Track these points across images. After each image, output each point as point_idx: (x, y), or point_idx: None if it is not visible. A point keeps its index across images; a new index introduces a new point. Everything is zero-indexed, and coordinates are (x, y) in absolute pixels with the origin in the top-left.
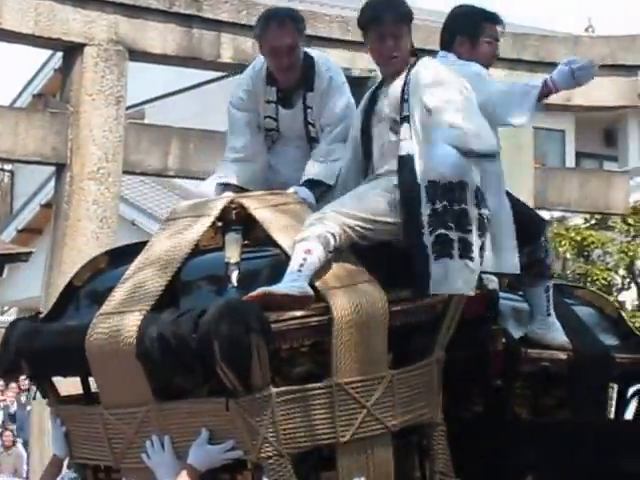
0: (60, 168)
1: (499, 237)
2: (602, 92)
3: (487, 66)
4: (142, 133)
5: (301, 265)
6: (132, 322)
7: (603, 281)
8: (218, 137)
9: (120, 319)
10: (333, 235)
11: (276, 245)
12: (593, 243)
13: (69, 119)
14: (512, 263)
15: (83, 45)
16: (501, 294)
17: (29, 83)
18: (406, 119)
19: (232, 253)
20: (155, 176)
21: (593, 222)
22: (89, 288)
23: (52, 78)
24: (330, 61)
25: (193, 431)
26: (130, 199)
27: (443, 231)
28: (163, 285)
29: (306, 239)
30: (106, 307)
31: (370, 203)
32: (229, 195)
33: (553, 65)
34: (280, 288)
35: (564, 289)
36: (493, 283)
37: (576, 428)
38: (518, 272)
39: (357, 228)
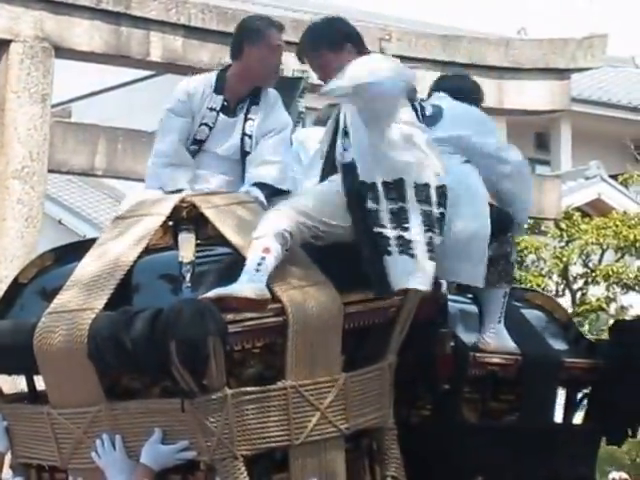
0: None
1: (468, 247)
2: (534, 96)
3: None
4: (68, 132)
5: (259, 264)
6: (83, 321)
7: (537, 287)
8: (146, 136)
9: (71, 318)
10: (290, 234)
11: (228, 244)
12: (527, 248)
13: None
14: (477, 275)
15: (8, 41)
16: (450, 297)
17: None
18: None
19: (186, 252)
20: (82, 175)
21: (525, 227)
22: (36, 286)
23: None
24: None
25: (145, 431)
26: (57, 198)
27: (379, 229)
28: (114, 284)
29: (264, 236)
30: (55, 306)
31: (325, 204)
32: (180, 194)
33: (484, 68)
34: (238, 290)
35: (513, 292)
36: (442, 287)
37: (523, 433)
38: (481, 286)
39: (312, 228)
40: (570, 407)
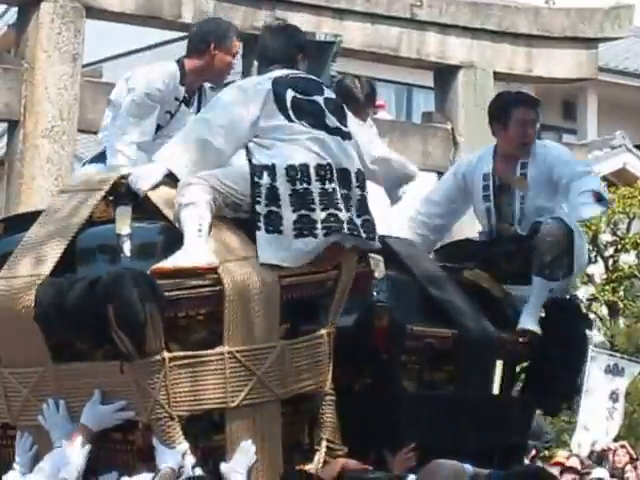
0: (13, 125)
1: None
2: (562, 64)
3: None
4: (99, 92)
5: (199, 230)
6: (31, 286)
7: None
8: None
9: (19, 282)
10: (214, 202)
11: (164, 217)
12: None
13: (23, 76)
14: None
15: (39, 1)
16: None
17: None
18: None
19: (122, 225)
20: None
21: None
22: None
23: (5, 34)
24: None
25: (88, 392)
26: (85, 158)
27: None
28: (59, 253)
29: (195, 203)
30: (5, 271)
31: (240, 175)
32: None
33: (514, 35)
34: (187, 258)
35: (452, 270)
36: (378, 263)
37: (457, 402)
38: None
39: (232, 197)
40: (507, 380)
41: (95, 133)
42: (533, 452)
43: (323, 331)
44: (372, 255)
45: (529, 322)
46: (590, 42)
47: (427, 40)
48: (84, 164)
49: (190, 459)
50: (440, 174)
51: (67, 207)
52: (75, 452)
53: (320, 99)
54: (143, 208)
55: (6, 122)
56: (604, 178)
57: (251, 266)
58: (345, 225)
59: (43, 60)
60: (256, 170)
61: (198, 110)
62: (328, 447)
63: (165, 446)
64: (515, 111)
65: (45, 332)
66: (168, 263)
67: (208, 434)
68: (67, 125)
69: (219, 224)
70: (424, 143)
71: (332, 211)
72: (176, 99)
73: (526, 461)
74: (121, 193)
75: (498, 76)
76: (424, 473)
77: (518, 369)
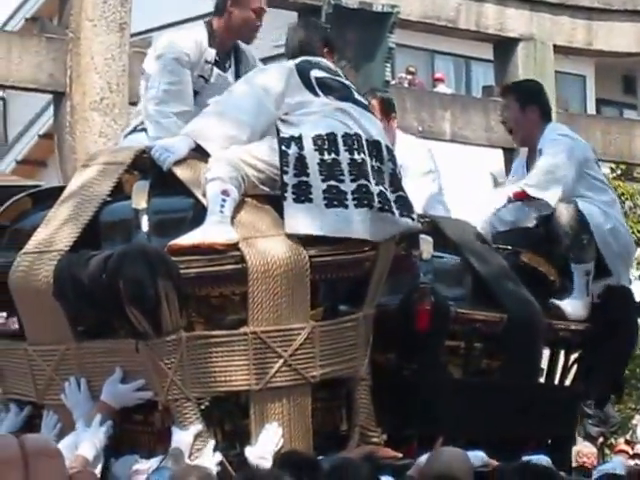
0: (58, 97)
1: None
2: (622, 38)
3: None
4: None
5: (222, 206)
6: (50, 262)
7: (638, 234)
8: None
9: (39, 258)
10: (243, 179)
11: (189, 192)
12: (623, 195)
13: (68, 45)
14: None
15: None
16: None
17: (21, 6)
18: None
19: (139, 200)
20: None
21: (619, 172)
22: (16, 228)
23: (47, 2)
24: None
25: (108, 371)
26: None
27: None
28: (80, 228)
29: (221, 179)
30: (28, 246)
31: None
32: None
33: (574, 8)
34: (207, 234)
35: (508, 253)
36: (427, 243)
37: (504, 390)
38: None
39: (263, 171)
40: (556, 368)
41: None
42: (601, 439)
43: (359, 314)
44: (422, 236)
45: (570, 306)
46: None
47: (485, 12)
48: (125, 136)
49: (211, 442)
50: (505, 150)
51: (89, 182)
52: (93, 428)
53: (346, 82)
54: (168, 183)
55: (52, 94)
56: None
57: (278, 243)
58: (376, 198)
59: (88, 29)
60: (283, 141)
61: (236, 72)
62: (362, 433)
63: (179, 428)
64: None
65: (64, 309)
66: (184, 240)
67: (233, 417)
68: (117, 97)
69: (250, 202)
70: (486, 118)
71: (362, 182)
72: (207, 62)
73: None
74: (143, 167)
75: (558, 49)
76: (429, 458)
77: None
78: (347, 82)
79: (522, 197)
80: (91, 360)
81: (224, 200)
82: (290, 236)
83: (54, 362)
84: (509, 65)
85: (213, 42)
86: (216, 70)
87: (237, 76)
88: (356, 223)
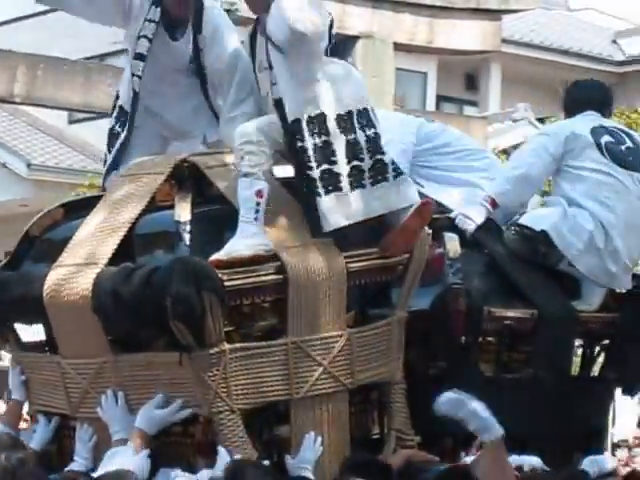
0: None
1: None
2: (465, 36)
3: None
4: None
5: (256, 212)
6: (88, 275)
7: None
8: (68, 64)
9: (77, 272)
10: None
11: (228, 203)
12: None
13: None
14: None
15: None
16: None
17: None
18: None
19: (182, 211)
20: (0, 102)
21: None
22: (46, 239)
23: None
24: (218, 7)
25: (147, 384)
26: None
27: (308, 171)
28: (118, 240)
29: (254, 175)
30: (63, 259)
31: None
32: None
33: (416, 6)
34: (243, 249)
35: None
36: (453, 242)
37: (537, 385)
38: None
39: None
40: (587, 360)
41: None
42: None
43: (393, 318)
44: (447, 234)
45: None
46: (494, 14)
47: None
48: None
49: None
50: None
51: (128, 191)
52: (134, 460)
53: None
54: (209, 194)
55: None
56: (505, 151)
57: (316, 252)
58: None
59: None
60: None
61: (196, 52)
62: (398, 437)
63: (224, 439)
64: None
65: (103, 323)
66: (223, 254)
67: (272, 426)
68: None
69: (277, 203)
70: None
71: (378, 157)
72: (149, 21)
73: None
74: (183, 177)
75: (398, 47)
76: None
77: (597, 348)
78: None
79: (495, 205)
80: (129, 374)
81: (258, 204)
82: (326, 243)
83: (90, 375)
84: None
85: (157, 1)
86: (162, 32)
87: (197, 50)
88: (377, 200)
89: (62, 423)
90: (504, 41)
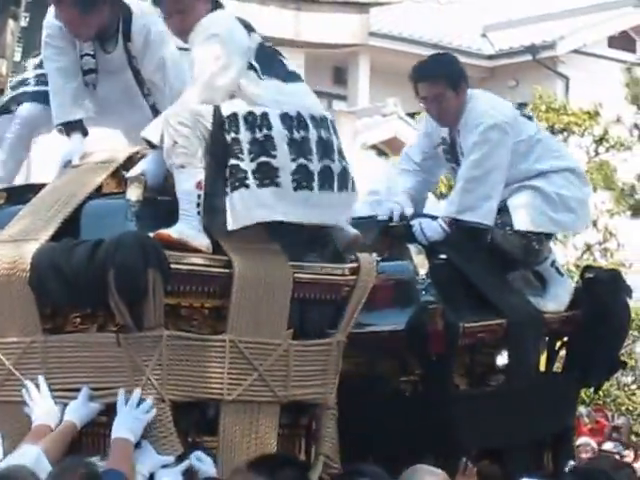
0: None
1: None
2: (333, 29)
3: None
4: None
5: (198, 205)
6: (27, 250)
7: None
8: None
9: (16, 247)
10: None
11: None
12: None
13: None
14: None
15: None
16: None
17: None
18: None
19: (133, 193)
20: None
21: None
22: None
23: None
24: (147, 9)
25: (78, 366)
26: None
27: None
28: (61, 219)
29: (191, 165)
30: (2, 236)
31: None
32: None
33: None
34: (191, 237)
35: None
36: (421, 255)
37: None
38: None
39: None
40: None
41: None
42: None
43: (333, 339)
44: (413, 247)
45: (552, 303)
46: (362, 7)
47: None
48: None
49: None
50: None
51: (76, 178)
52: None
53: None
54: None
55: None
56: (374, 146)
57: (265, 257)
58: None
59: None
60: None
61: (130, 60)
62: (325, 463)
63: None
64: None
65: (39, 298)
66: (173, 232)
67: (199, 428)
68: None
69: None
70: None
71: (326, 162)
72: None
73: None
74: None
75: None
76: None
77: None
78: None
79: (453, 224)
80: (59, 355)
81: (199, 197)
82: (276, 251)
83: (15, 356)
84: None
85: None
86: (98, 49)
87: (130, 58)
88: (322, 207)
89: None
90: (372, 34)
